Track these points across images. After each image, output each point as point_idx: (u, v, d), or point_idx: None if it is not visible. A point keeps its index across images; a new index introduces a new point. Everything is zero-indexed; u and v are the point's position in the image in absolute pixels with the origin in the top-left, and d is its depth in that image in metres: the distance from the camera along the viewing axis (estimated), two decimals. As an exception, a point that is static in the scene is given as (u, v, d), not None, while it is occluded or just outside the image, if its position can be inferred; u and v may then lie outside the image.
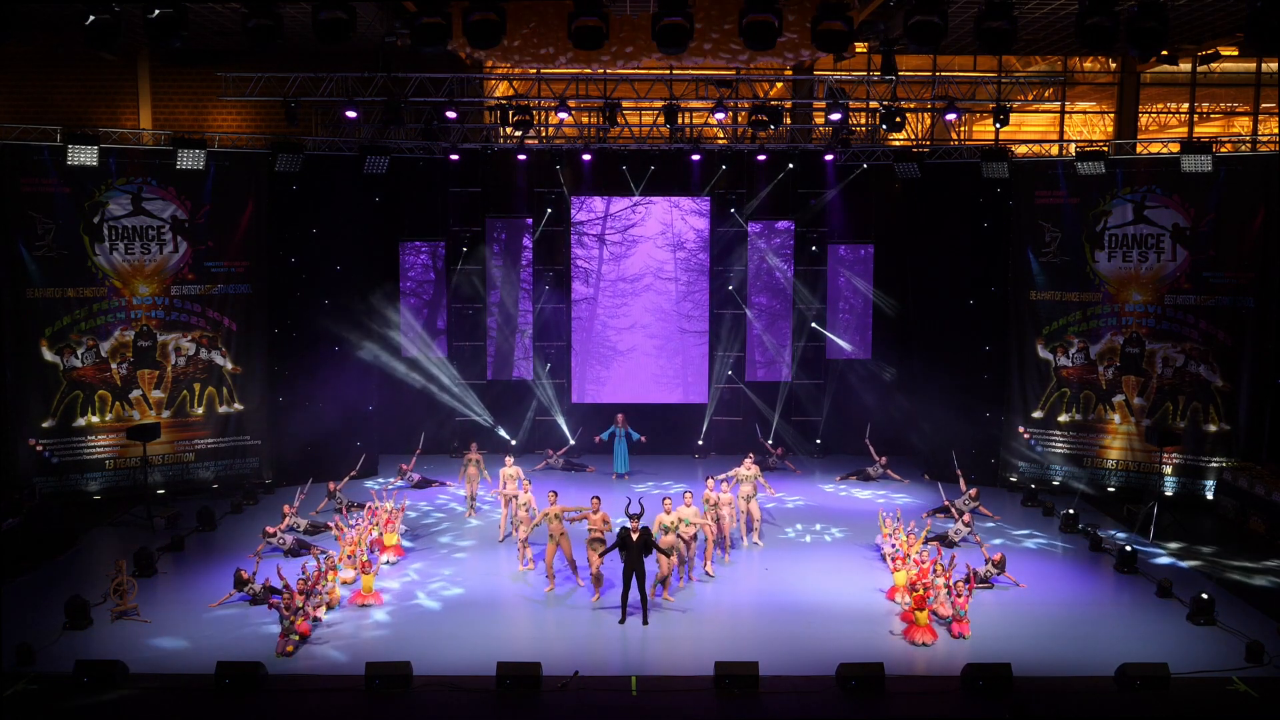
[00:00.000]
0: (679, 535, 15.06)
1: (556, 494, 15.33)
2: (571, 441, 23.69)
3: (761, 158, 23.00)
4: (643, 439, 22.04)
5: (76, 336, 19.73)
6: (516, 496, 16.73)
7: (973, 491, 19.01)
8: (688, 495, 15.64)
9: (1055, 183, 20.90)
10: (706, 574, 15.90)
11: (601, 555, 14.71)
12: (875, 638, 13.68)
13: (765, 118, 19.23)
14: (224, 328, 20.90)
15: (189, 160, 19.81)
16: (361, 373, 21.96)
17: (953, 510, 18.20)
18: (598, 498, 15.17)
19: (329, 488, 18.76)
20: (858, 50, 21.44)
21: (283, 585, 13.48)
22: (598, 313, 24.59)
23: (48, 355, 19.53)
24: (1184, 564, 16.70)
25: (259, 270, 21.01)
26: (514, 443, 19.08)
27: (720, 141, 23.45)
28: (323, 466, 21.46)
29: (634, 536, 13.94)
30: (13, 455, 19.13)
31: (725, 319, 24.32)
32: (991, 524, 18.74)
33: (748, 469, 17.58)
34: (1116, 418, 20.79)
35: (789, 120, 21.62)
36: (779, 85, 23.01)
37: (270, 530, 16.60)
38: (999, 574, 15.39)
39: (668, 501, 15.26)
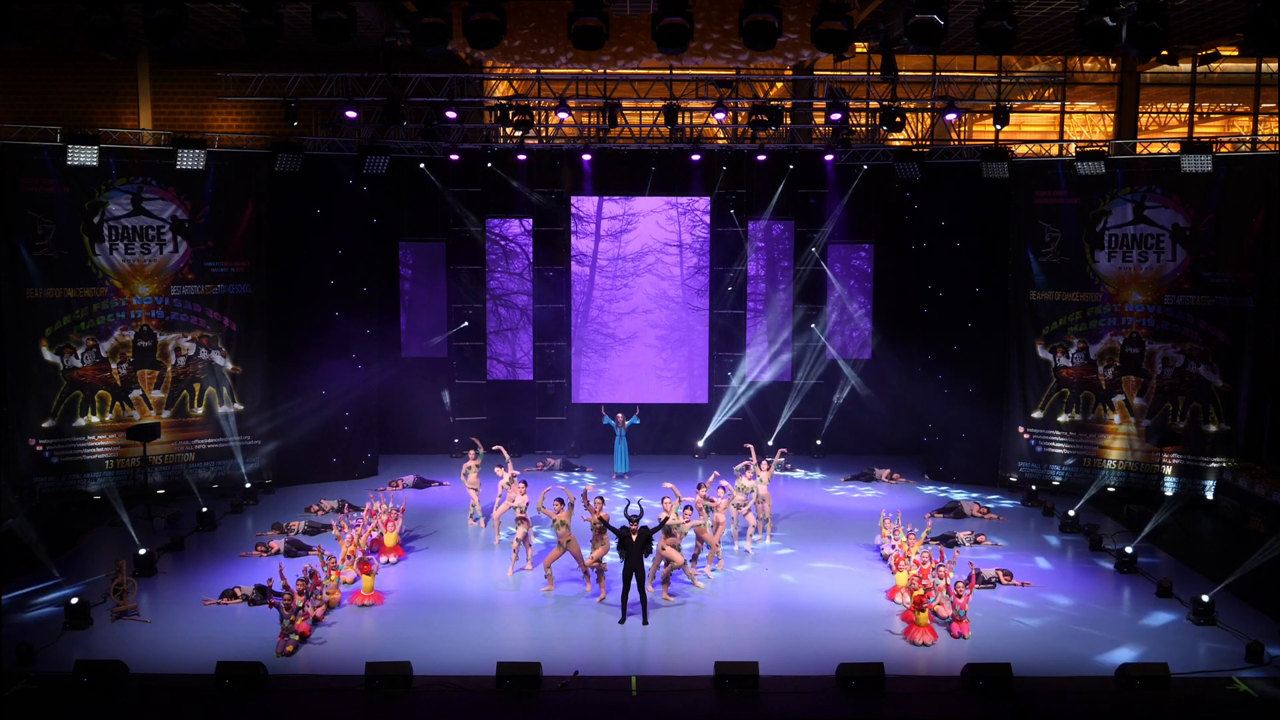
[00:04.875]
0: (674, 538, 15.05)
1: (562, 501, 15.29)
2: (572, 444, 23.76)
3: (761, 158, 22.98)
4: (637, 410, 22.19)
5: (76, 336, 19.73)
6: (515, 500, 16.68)
7: (983, 510, 19.21)
8: (667, 500, 15.39)
9: (1055, 183, 20.90)
10: (706, 576, 15.89)
11: (604, 548, 14.70)
12: (875, 638, 13.68)
13: (765, 118, 19.22)
14: (224, 328, 20.90)
15: (189, 160, 19.80)
16: (361, 373, 21.94)
17: (963, 508, 19.02)
18: (601, 497, 15.16)
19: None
20: (858, 50, 21.45)
21: (283, 586, 13.48)
22: (594, 295, 24.44)
23: (48, 355, 19.52)
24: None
25: (259, 270, 21.01)
26: (511, 445, 19.20)
27: (720, 141, 23.45)
28: (323, 467, 21.53)
29: (634, 537, 13.95)
30: (13, 455, 19.12)
31: (725, 319, 24.32)
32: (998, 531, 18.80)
33: (749, 479, 17.54)
34: (1116, 418, 20.79)
35: (789, 120, 21.62)
36: (779, 85, 23.01)
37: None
38: (1006, 583, 15.47)
39: (667, 501, 15.26)
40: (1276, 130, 22.93)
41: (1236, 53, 21.91)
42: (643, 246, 24.31)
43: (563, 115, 19.56)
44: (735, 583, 15.90)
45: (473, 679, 12.29)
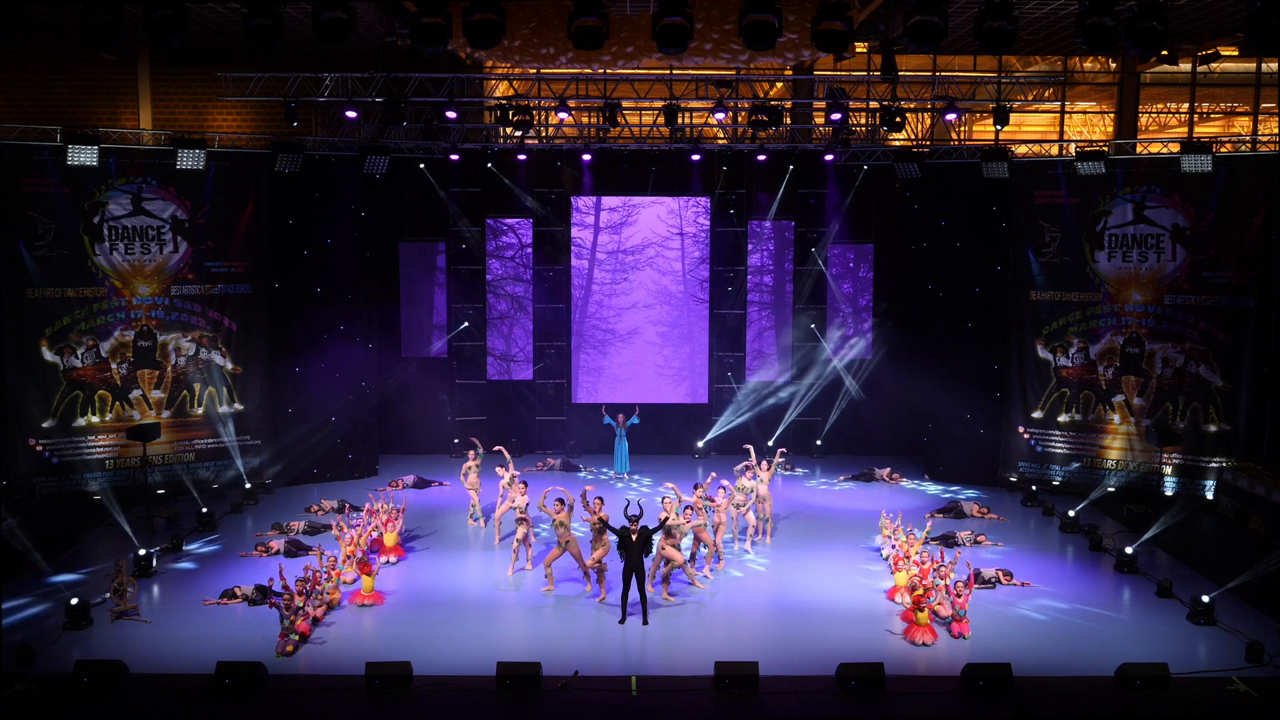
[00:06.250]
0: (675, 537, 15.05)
1: (563, 502, 15.30)
2: (572, 443, 23.75)
3: (761, 158, 22.98)
4: (637, 410, 22.22)
5: (76, 336, 19.72)
6: (515, 500, 16.67)
7: (983, 510, 19.26)
8: (667, 500, 15.39)
9: (1055, 183, 20.90)
10: (705, 576, 15.89)
11: (604, 549, 14.69)
12: (875, 638, 13.68)
13: (765, 118, 19.21)
14: (224, 328, 20.90)
15: (189, 160, 19.79)
16: (361, 373, 21.94)
17: (963, 508, 19.13)
18: (601, 498, 15.13)
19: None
20: (858, 50, 21.45)
21: (283, 586, 13.48)
22: (594, 290, 24.30)
23: (48, 355, 19.52)
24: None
25: (259, 270, 21.01)
26: (511, 443, 19.19)
27: (720, 141, 23.45)
28: (323, 466, 21.54)
29: (634, 537, 13.95)
30: (13, 455, 19.11)
31: (726, 319, 24.31)
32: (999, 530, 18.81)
33: (749, 479, 17.56)
34: (1116, 418, 20.79)
35: (789, 120, 21.62)
36: (779, 85, 23.01)
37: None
38: (1006, 583, 15.47)
39: (667, 501, 15.25)
40: (1276, 130, 22.93)
41: (1236, 53, 21.90)
42: (643, 240, 24.25)
43: (563, 115, 19.55)
44: (735, 583, 15.90)
45: (473, 679, 12.29)
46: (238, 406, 21.09)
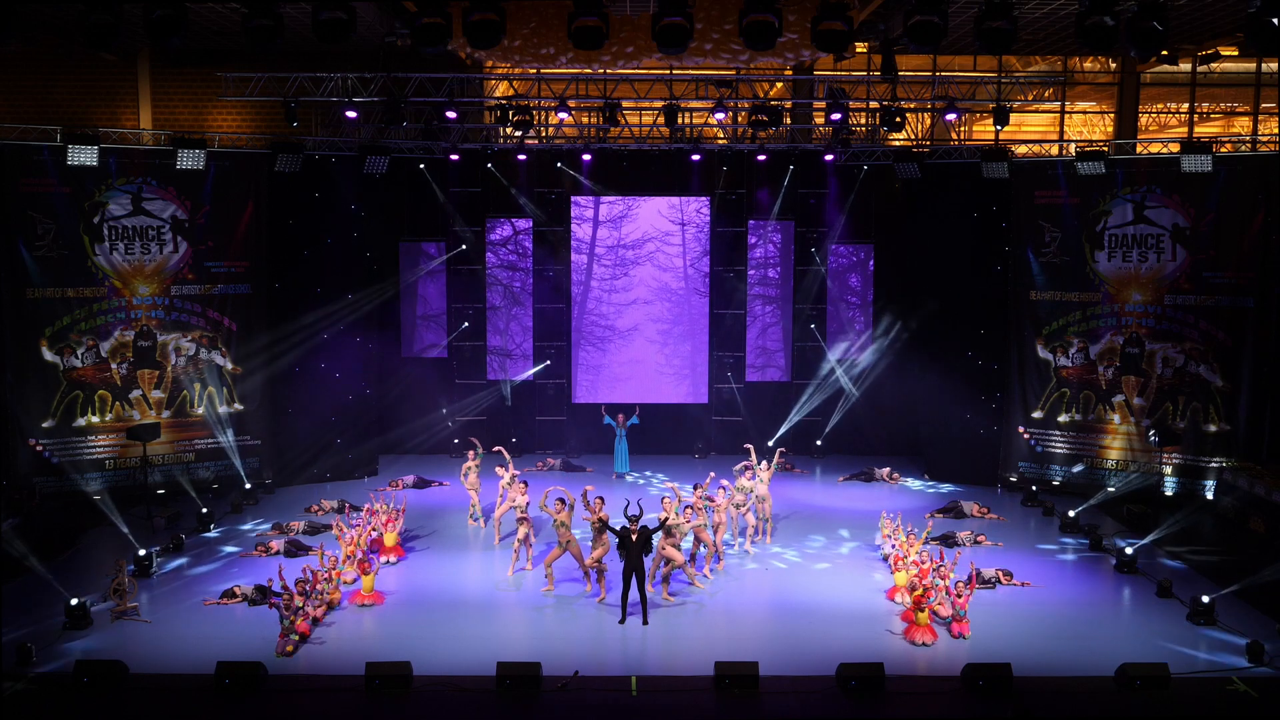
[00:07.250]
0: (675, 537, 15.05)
1: (564, 501, 15.28)
2: (572, 443, 23.74)
3: (761, 158, 22.98)
4: (637, 410, 22.25)
5: (76, 336, 19.72)
6: (515, 500, 16.65)
7: (983, 510, 19.23)
8: (666, 500, 15.39)
9: (1055, 183, 20.91)
10: (705, 576, 15.89)
11: (604, 549, 14.68)
12: (875, 638, 13.68)
13: (765, 118, 19.22)
14: (224, 328, 20.89)
15: (189, 160, 19.79)
16: (361, 373, 21.94)
17: (963, 508, 19.17)
18: (601, 497, 15.11)
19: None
20: (858, 50, 21.45)
21: (282, 586, 13.48)
22: (593, 286, 24.28)
23: (48, 355, 19.52)
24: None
25: (259, 270, 21.01)
26: (511, 443, 19.14)
27: (720, 141, 23.44)
28: (323, 466, 21.53)
29: (634, 537, 13.94)
30: (13, 455, 19.11)
31: (725, 319, 24.31)
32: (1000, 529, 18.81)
33: (749, 479, 17.56)
34: (1116, 418, 20.79)
35: (789, 120, 21.63)
36: (779, 85, 23.01)
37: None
38: (1006, 583, 15.47)
39: (667, 501, 15.25)
40: (1276, 130, 22.93)
41: (1236, 53, 21.90)
42: (643, 234, 24.24)
43: (563, 115, 19.56)
44: (735, 583, 15.90)
45: (473, 679, 12.29)
46: (238, 406, 21.09)
